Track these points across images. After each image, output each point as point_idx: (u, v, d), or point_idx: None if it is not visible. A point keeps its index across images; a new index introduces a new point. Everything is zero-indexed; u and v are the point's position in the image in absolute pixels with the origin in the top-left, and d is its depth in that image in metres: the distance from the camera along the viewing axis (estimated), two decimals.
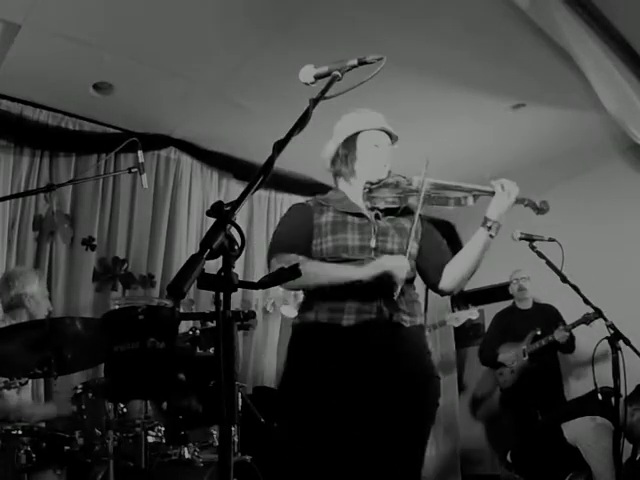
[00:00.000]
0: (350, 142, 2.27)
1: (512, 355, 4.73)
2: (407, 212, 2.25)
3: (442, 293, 2.32)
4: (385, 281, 2.02)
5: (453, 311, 5.26)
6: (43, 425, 2.79)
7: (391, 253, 2.15)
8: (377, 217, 2.22)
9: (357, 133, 2.27)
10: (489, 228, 2.14)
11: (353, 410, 2.02)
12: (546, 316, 4.79)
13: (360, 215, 2.20)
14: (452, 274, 2.23)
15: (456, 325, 4.80)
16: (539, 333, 4.62)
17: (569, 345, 4.56)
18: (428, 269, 2.28)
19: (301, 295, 2.30)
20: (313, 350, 2.11)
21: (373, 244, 2.15)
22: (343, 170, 2.28)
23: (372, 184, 2.21)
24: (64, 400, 2.87)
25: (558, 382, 4.85)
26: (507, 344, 4.84)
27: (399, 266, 2.04)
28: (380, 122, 2.29)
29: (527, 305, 4.99)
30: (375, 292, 2.08)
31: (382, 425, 2.03)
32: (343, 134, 2.28)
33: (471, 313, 4.67)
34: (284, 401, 2.14)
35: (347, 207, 2.22)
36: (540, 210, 2.26)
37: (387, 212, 2.24)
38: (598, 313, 3.21)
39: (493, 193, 2.15)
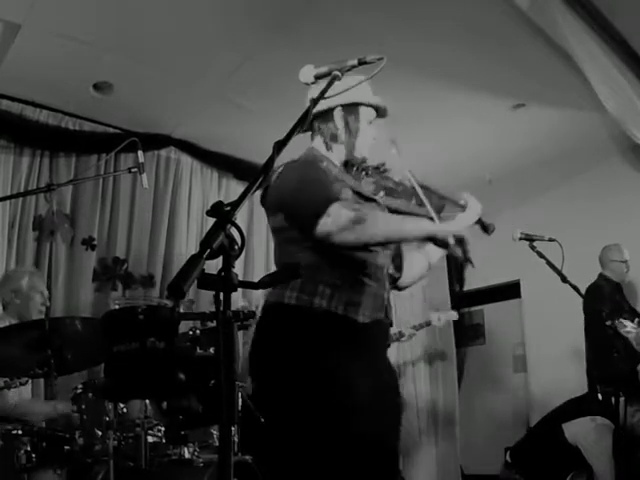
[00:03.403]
0: (353, 110, 2.05)
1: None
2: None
3: (399, 289, 2.25)
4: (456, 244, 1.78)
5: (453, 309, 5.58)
6: (43, 425, 2.79)
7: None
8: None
9: (359, 103, 2.07)
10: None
11: (366, 411, 1.87)
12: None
13: (373, 201, 2.04)
14: (412, 272, 2.21)
15: (438, 325, 5.12)
16: None
17: None
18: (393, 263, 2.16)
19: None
20: (327, 342, 1.87)
21: None
22: (344, 138, 2.05)
23: (375, 168, 2.05)
24: (65, 399, 2.88)
25: None
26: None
27: (465, 231, 1.81)
28: (377, 99, 2.13)
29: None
30: (385, 288, 2.00)
31: (389, 430, 1.97)
32: (348, 96, 1.91)
33: (451, 315, 5.14)
34: (294, 395, 1.87)
35: (361, 190, 2.02)
36: (487, 230, 2.24)
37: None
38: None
39: (463, 208, 2.16)
